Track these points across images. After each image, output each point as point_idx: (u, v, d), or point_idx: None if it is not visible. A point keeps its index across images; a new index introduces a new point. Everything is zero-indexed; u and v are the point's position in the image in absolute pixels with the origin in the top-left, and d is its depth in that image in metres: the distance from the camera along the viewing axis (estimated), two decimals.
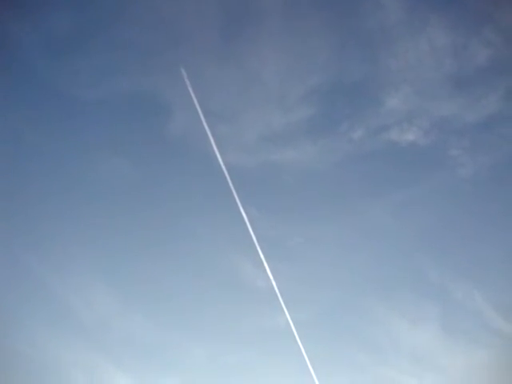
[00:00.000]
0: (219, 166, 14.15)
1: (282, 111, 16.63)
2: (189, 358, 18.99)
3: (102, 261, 16.15)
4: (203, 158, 15.61)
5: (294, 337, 15.50)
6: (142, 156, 15.97)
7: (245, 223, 14.11)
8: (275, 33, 16.72)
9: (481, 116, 16.36)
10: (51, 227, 15.15)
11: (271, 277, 14.61)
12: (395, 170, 16.60)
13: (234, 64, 16.46)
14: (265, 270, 14.44)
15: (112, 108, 16.11)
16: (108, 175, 15.61)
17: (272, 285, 14.69)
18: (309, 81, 16.45)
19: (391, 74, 16.40)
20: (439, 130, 16.53)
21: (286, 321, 15.50)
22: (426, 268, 19.41)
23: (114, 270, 15.93)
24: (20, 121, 15.27)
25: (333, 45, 16.41)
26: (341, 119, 16.39)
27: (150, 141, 15.97)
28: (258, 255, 14.39)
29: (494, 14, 15.81)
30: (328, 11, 16.64)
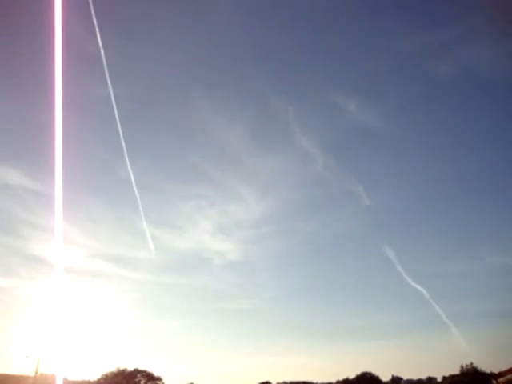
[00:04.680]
0: None
1: None
2: None
3: None
4: None
5: (113, 111, 15.29)
6: None
7: None
8: None
9: None
10: None
11: (100, 44, 13.40)
12: None
13: None
14: (96, 36, 13.00)
15: None
16: None
17: (100, 53, 13.82)
18: None
19: None
20: None
21: (108, 94, 14.96)
22: (250, 75, 19.52)
23: None
24: None
25: None
26: None
27: None
28: (91, 19, 12.69)
29: None
30: None
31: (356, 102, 70.49)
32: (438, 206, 79.35)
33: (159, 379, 52.94)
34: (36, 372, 37.80)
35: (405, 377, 68.35)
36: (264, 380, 62.63)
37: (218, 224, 71.88)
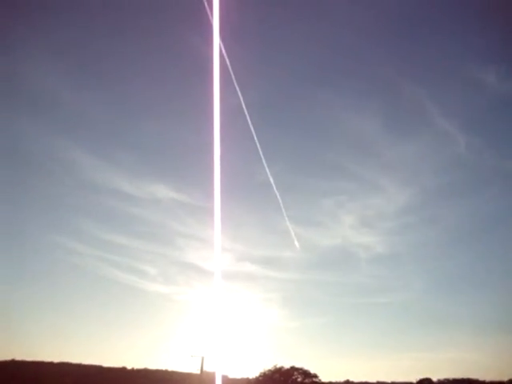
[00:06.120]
0: None
1: None
2: (140, 134, 20.04)
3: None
4: None
5: (246, 118, 14.71)
6: None
7: None
8: None
9: None
10: None
11: (225, 54, 13.12)
12: None
13: None
14: (218, 47, 12.82)
15: None
16: None
17: (226, 63, 13.45)
18: None
19: None
20: None
21: (239, 102, 14.58)
22: (375, 62, 17.61)
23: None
24: None
25: None
26: None
27: None
28: (212, 29, 12.40)
29: None
30: None
31: (495, 71, 62.57)
32: None
33: (315, 376, 53.64)
34: (201, 370, 41.49)
35: None
36: (423, 376, 58.97)
37: (360, 217, 70.68)
